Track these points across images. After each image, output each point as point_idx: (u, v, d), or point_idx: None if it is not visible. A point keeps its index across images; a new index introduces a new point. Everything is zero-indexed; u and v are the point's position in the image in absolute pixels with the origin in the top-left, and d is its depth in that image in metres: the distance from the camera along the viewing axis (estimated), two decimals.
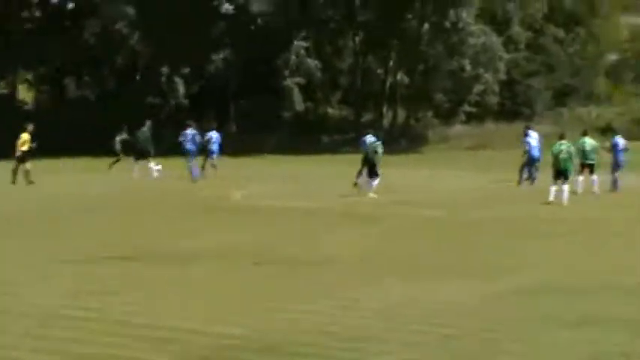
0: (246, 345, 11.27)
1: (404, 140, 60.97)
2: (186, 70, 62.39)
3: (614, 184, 32.39)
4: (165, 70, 61.45)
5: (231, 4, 62.98)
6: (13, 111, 59.26)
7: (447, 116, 66.63)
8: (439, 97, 66.58)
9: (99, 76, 65.26)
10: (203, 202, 28.48)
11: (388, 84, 65.32)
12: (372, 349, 11.05)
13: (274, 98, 60.90)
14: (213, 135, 38.67)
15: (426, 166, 44.84)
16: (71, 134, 53.57)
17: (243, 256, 17.82)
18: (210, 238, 20.62)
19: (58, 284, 15.10)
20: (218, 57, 62.19)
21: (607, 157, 33.37)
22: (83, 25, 62.34)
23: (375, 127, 44.70)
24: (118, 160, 41.10)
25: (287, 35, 61.51)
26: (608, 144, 34.61)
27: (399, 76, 66.14)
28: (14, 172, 34.88)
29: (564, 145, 29.04)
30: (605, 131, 50.36)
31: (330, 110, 68.89)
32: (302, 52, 61.71)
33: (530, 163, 34.89)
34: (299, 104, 62.17)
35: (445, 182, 36.60)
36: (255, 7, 62.67)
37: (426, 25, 63.58)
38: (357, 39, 65.53)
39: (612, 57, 78.02)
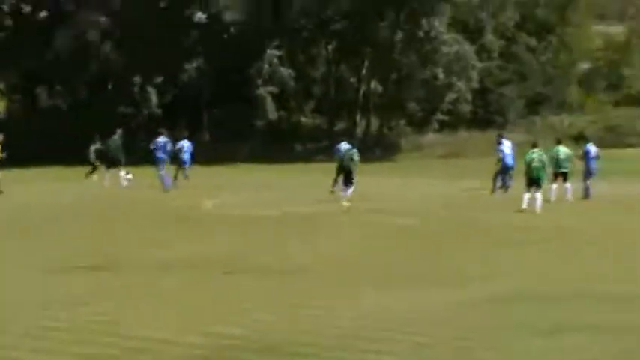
0: (215, 355, 11.17)
1: (377, 149, 60.95)
2: (159, 79, 62.18)
3: (586, 192, 32.47)
4: (137, 79, 61.23)
5: (204, 13, 62.87)
6: None
7: (420, 125, 66.71)
8: (412, 105, 66.70)
9: (71, 86, 64.84)
10: (175, 212, 28.33)
11: (361, 93, 65.36)
12: (346, 358, 10.98)
13: (247, 107, 60.83)
14: (185, 144, 38.28)
15: (400, 175, 44.83)
16: (43, 143, 53.36)
17: (215, 266, 17.72)
18: (182, 247, 20.51)
19: (28, 294, 14.95)
20: (191, 66, 62.04)
21: (580, 166, 33.46)
22: (55, 34, 62.01)
23: (348, 136, 44.75)
24: (94, 170, 40.90)
25: (260, 44, 61.45)
26: (580, 152, 34.72)
27: (372, 85, 66.18)
28: None
29: (536, 154, 29.11)
30: (578, 139, 50.49)
31: (303, 119, 68.83)
32: (275, 60, 61.66)
33: (504, 171, 34.92)
34: (272, 113, 62.10)
35: (418, 190, 36.58)
36: (228, 16, 62.58)
37: (399, 34, 63.69)
38: (330, 48, 65.58)
39: (584, 65, 78.37)
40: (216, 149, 55.96)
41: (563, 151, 32.54)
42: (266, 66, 61.04)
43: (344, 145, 33.11)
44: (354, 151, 32.22)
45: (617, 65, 77.46)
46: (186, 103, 62.09)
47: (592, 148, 34.32)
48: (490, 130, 60.00)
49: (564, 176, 31.97)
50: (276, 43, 62.49)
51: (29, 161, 46.82)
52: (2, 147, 34.83)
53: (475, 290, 15.04)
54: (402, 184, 40.16)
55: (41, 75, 62.93)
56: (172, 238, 22.24)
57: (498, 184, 34.80)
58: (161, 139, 37.55)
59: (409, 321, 12.75)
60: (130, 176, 38.20)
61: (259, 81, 60.76)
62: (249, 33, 62.13)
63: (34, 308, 13.75)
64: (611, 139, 60.29)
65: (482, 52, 66.23)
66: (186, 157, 37.76)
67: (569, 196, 31.43)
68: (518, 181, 31.58)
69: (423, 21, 61.18)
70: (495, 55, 68.62)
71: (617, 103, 72.52)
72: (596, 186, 32.97)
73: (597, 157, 34.07)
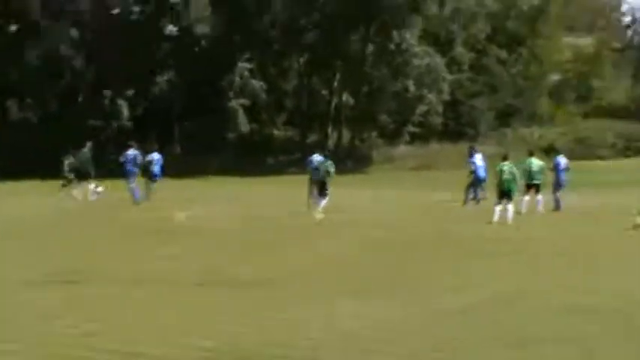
0: None
1: (349, 161, 61.09)
2: (130, 92, 62.09)
3: (557, 203, 32.60)
4: (108, 92, 61.10)
5: (175, 26, 62.88)
6: None
7: (391, 137, 66.95)
8: (384, 117, 66.95)
9: (41, 99, 64.60)
10: (146, 224, 28.19)
11: (333, 105, 65.55)
12: None
13: (219, 120, 60.86)
14: (155, 156, 37.98)
15: (372, 187, 44.91)
16: (13, 156, 53.12)
17: (188, 278, 17.64)
18: (154, 259, 20.40)
19: None
20: (162, 79, 62.04)
21: (551, 177, 33.61)
22: (25, 47, 61.74)
23: (320, 148, 44.79)
24: (69, 184, 40.63)
25: (231, 57, 61.54)
26: (551, 164, 34.88)
27: (343, 97, 66.40)
28: None
29: (507, 166, 29.22)
30: (548, 151, 50.82)
31: (275, 131, 68.93)
32: (246, 73, 61.78)
33: (476, 183, 35.03)
34: (244, 125, 62.16)
35: (391, 202, 36.63)
36: (199, 29, 62.64)
37: (371, 47, 63.95)
38: (301, 60, 65.74)
39: (554, 77, 78.91)
40: (187, 162, 55.93)
41: (535, 163, 32.68)
42: (237, 79, 61.14)
43: (317, 157, 33.06)
44: (329, 162, 32.16)
45: (586, 77, 78.05)
46: (157, 116, 61.99)
47: (562, 160, 34.51)
48: (461, 142, 60.35)
49: (537, 188, 32.09)
50: (247, 55, 62.62)
51: None
52: None
53: (448, 301, 15.05)
54: (374, 195, 40.21)
55: (11, 88, 62.69)
56: (144, 251, 22.12)
57: (470, 195, 34.91)
58: (130, 152, 37.32)
59: (382, 332, 12.74)
60: (100, 189, 38.01)
61: (231, 93, 60.86)
62: (221, 46, 62.23)
63: (2, 323, 13.64)
64: (581, 150, 60.77)
65: (453, 64, 66.63)
66: (156, 169, 37.39)
67: (541, 207, 31.55)
68: (490, 193, 31.67)
69: (394, 33, 61.47)
70: (466, 67, 69.03)
71: (586, 115, 73.06)
72: (566, 197, 33.14)
73: (567, 169, 34.27)
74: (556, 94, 76.91)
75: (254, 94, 62.01)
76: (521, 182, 30.69)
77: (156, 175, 37.41)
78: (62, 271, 18.38)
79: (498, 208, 28.31)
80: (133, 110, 61.66)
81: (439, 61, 62.79)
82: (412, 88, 62.24)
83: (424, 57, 62.30)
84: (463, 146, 48.70)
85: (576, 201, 33.68)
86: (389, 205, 35.33)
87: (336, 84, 65.73)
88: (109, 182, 38.72)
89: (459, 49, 67.61)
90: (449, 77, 63.90)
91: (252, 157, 60.80)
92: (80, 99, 63.83)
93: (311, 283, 17.29)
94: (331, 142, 63.84)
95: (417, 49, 61.99)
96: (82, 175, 38.44)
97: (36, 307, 14.91)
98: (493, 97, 71.11)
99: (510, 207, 28.39)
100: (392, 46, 61.93)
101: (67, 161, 40.86)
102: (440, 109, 64.41)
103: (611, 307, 14.41)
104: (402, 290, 16.34)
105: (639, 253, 22.23)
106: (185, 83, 61.33)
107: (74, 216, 31.55)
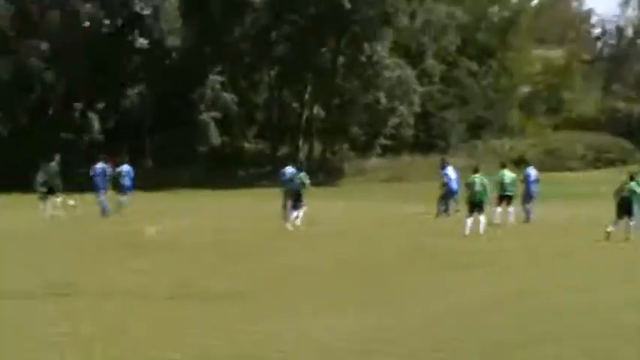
0: None
1: (320, 173, 60.91)
2: (101, 105, 61.87)
3: (527, 215, 32.68)
4: (79, 105, 60.84)
5: (145, 38, 62.75)
6: None
7: (363, 149, 66.98)
8: (355, 130, 66.95)
9: (11, 113, 64.14)
10: (116, 237, 27.99)
11: (304, 117, 65.50)
12: None
13: (190, 132, 60.68)
14: (125, 168, 37.70)
15: (344, 199, 44.87)
16: None
17: (158, 291, 17.52)
18: (124, 272, 20.24)
19: None
20: (133, 92, 61.87)
21: (522, 189, 33.71)
22: None
23: (292, 161, 44.70)
24: (45, 197, 40.27)
25: (202, 69, 61.45)
26: (521, 175, 34.98)
27: (315, 110, 66.36)
28: None
29: (478, 178, 29.30)
30: (519, 163, 50.94)
31: (246, 144, 68.82)
32: (217, 86, 61.68)
33: (448, 195, 35.06)
34: (215, 138, 62.04)
35: (363, 214, 36.59)
36: (170, 42, 62.55)
37: (341, 59, 63.94)
38: (272, 73, 65.71)
39: (525, 89, 79.29)
40: (158, 174, 55.70)
41: (508, 175, 32.76)
42: (208, 91, 61.06)
43: (289, 169, 32.95)
44: (304, 174, 32.04)
45: (556, 89, 78.49)
46: (128, 129, 61.70)
47: (532, 172, 34.63)
48: (432, 154, 60.50)
49: (508, 200, 32.17)
50: (218, 68, 62.54)
51: None
52: None
53: (420, 313, 15.02)
54: (347, 207, 40.16)
55: None
56: (115, 264, 21.94)
57: (442, 207, 34.92)
58: (99, 165, 37.05)
59: (356, 344, 12.64)
60: (72, 202, 37.72)
61: (202, 106, 60.76)
62: (191, 58, 62.18)
63: None
64: (551, 162, 61.03)
65: (424, 76, 66.75)
66: (126, 181, 37.13)
67: (512, 219, 31.65)
68: (462, 205, 31.72)
69: (365, 46, 61.50)
70: (437, 79, 69.19)
71: (556, 127, 73.39)
72: (537, 209, 33.22)
73: (537, 181, 34.38)
74: (526, 106, 77.27)
75: (225, 106, 61.90)
76: (492, 194, 30.74)
77: (127, 188, 37.14)
78: (28, 284, 18.19)
79: (470, 220, 28.33)
80: (104, 123, 61.35)
81: (410, 73, 62.86)
82: (383, 100, 62.22)
83: (395, 69, 62.34)
84: (434, 158, 48.85)
85: (546, 212, 33.75)
86: (362, 218, 35.28)
87: (307, 96, 65.66)
88: (77, 196, 38.38)
89: (430, 61, 67.75)
90: (420, 89, 63.97)
91: (224, 170, 60.65)
92: (51, 112, 63.37)
93: (283, 296, 17.21)
94: (302, 155, 63.69)
95: (388, 62, 62.03)
96: (50, 189, 38.13)
97: (2, 320, 14.75)
98: (464, 109, 71.30)
99: (482, 218, 28.43)
100: (363, 59, 61.93)
101: (39, 175, 40.55)
102: (411, 121, 64.43)
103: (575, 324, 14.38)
104: (376, 302, 16.29)
105: (612, 264, 22.27)
106: (156, 96, 61.15)
107: (41, 230, 31.27)
